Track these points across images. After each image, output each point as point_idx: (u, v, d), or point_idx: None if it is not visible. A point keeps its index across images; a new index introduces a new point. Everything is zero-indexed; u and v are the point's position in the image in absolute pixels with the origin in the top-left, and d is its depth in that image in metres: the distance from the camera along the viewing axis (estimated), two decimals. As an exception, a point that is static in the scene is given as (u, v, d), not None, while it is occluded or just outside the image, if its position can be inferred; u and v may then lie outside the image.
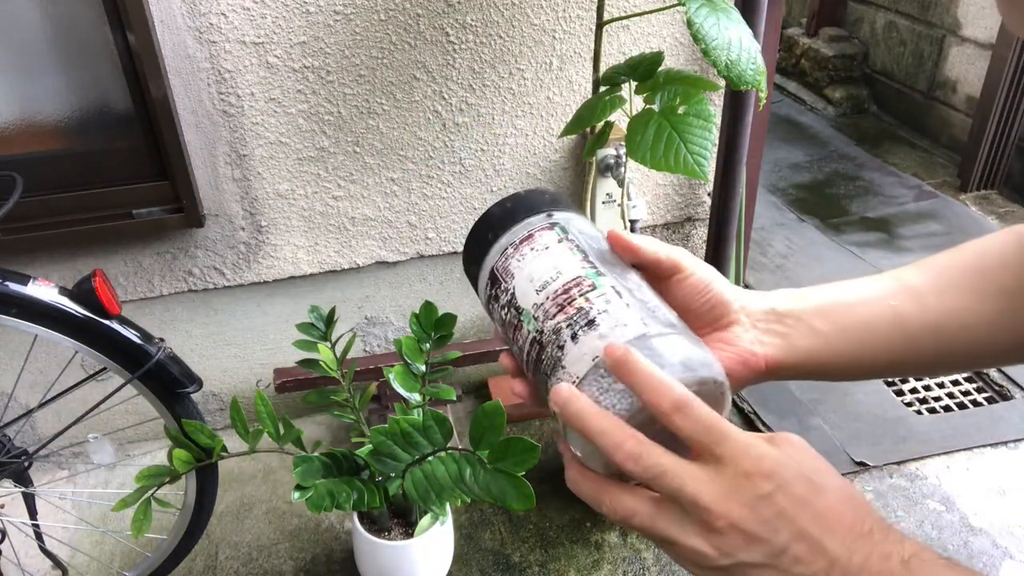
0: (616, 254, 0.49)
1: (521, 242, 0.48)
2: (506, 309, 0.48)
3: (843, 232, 2.96)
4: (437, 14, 1.66)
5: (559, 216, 0.50)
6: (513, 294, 0.47)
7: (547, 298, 0.45)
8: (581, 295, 0.45)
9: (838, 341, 0.53)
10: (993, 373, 2.23)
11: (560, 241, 0.48)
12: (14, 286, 1.27)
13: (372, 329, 2.08)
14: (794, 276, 2.71)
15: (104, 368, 1.37)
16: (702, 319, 0.52)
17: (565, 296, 0.45)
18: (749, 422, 2.11)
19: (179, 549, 1.58)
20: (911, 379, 2.26)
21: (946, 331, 0.53)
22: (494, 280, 0.49)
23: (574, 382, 0.42)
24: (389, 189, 1.85)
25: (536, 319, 0.45)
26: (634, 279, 0.48)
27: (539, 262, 0.47)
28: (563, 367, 0.43)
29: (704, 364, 0.43)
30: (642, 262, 0.50)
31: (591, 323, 0.43)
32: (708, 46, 1.22)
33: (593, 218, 1.86)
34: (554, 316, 0.44)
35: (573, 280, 0.45)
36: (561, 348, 0.44)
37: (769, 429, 2.07)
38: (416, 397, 1.40)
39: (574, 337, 0.43)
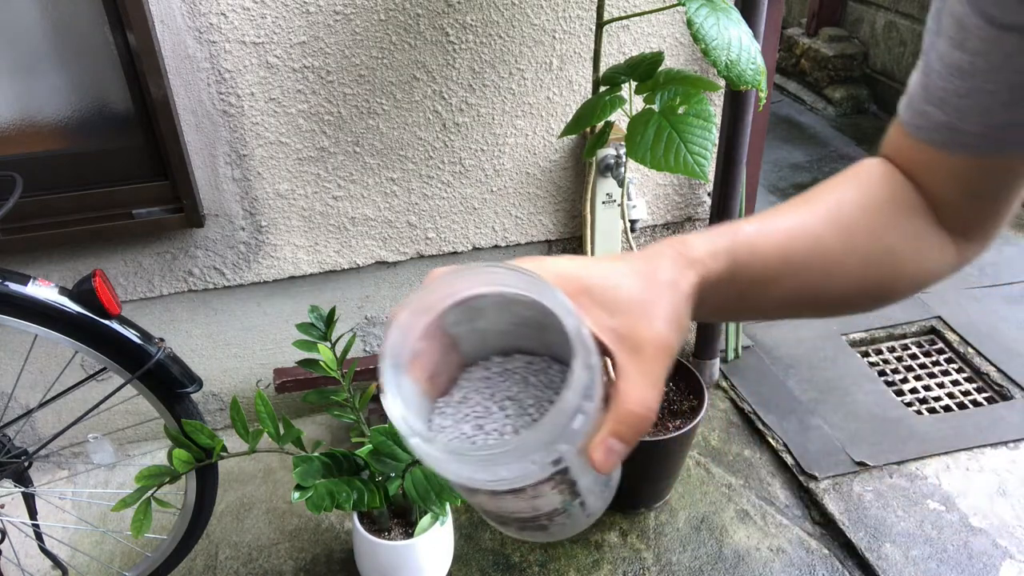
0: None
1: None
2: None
3: (843, 232, 2.96)
4: (437, 14, 1.66)
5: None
6: None
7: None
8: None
9: (749, 298, 0.49)
10: (993, 373, 2.23)
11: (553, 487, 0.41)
12: (14, 286, 1.27)
13: (372, 329, 2.08)
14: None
15: (104, 368, 1.37)
16: None
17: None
18: (749, 422, 2.11)
19: (179, 549, 1.58)
20: (911, 379, 2.26)
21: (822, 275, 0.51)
22: None
23: None
24: (389, 189, 1.85)
25: None
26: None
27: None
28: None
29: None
30: None
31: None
32: (708, 46, 1.22)
33: (593, 218, 1.86)
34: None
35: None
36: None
37: (769, 429, 2.07)
38: (416, 397, 1.40)
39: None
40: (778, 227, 0.49)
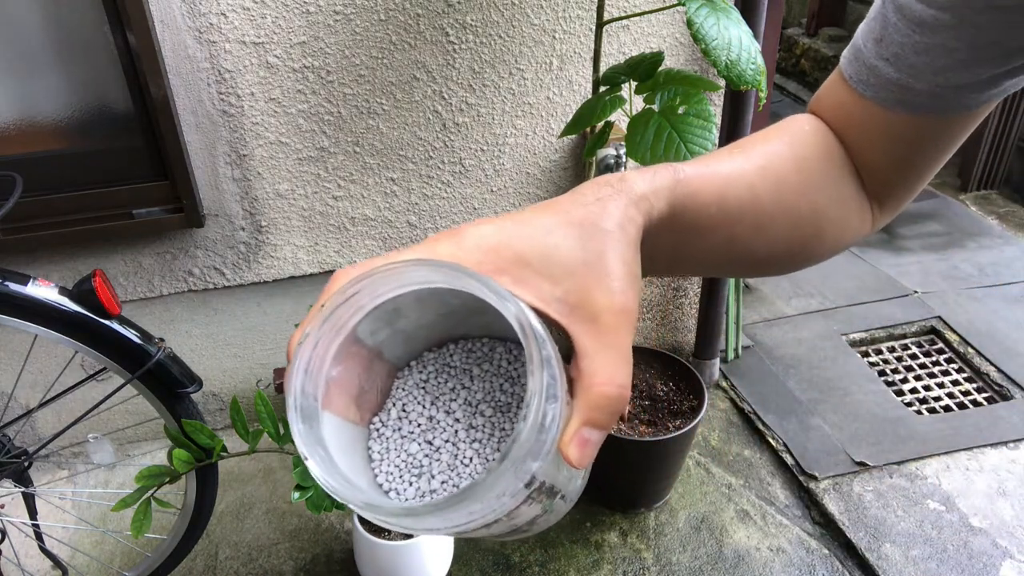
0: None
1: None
2: None
3: (843, 232, 2.95)
4: (437, 14, 1.66)
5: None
6: None
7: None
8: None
9: (682, 264, 0.47)
10: (993, 373, 2.23)
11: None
12: (14, 286, 1.27)
13: (372, 329, 2.08)
14: (794, 276, 2.71)
15: (104, 368, 1.37)
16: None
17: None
18: (749, 422, 2.11)
19: (179, 549, 1.58)
20: (911, 379, 2.26)
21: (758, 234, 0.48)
22: None
23: None
24: (389, 189, 1.85)
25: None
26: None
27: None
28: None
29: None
30: None
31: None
32: (708, 46, 1.22)
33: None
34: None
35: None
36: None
37: (769, 429, 2.07)
38: (416, 397, 1.40)
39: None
40: (716, 171, 0.45)
